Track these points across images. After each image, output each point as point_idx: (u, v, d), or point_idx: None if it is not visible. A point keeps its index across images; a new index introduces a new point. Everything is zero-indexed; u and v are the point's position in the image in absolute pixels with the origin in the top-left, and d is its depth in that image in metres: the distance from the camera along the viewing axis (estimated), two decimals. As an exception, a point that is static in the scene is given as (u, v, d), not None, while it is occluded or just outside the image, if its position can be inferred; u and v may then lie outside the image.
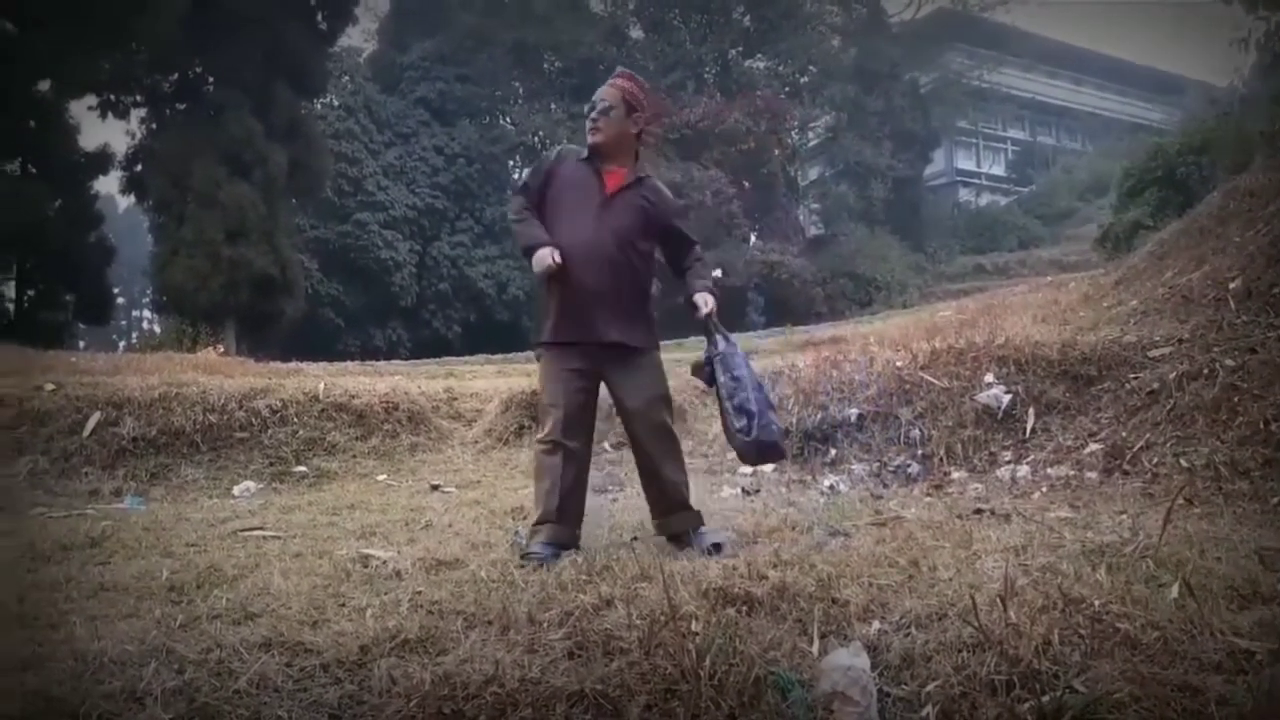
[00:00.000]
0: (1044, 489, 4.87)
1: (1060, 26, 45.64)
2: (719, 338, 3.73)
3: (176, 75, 28.26)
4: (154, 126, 28.83)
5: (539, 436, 3.73)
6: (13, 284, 27.94)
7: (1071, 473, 5.06)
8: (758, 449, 3.71)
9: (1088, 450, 5.24)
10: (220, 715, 1.88)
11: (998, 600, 2.23)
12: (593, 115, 3.73)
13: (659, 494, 3.73)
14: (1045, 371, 5.96)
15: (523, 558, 3.34)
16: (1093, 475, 4.96)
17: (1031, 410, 5.71)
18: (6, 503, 5.74)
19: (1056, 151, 48.39)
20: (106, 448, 6.85)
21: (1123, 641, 2.09)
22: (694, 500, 3.81)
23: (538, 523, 3.55)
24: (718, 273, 32.55)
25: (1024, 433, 5.61)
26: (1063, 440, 5.45)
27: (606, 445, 7.66)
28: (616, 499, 5.64)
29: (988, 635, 2.09)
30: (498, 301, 33.79)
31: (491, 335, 30.18)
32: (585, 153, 3.77)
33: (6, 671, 2.08)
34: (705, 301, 3.72)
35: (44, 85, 27.84)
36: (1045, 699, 1.88)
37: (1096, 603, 2.27)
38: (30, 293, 28.18)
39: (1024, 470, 5.24)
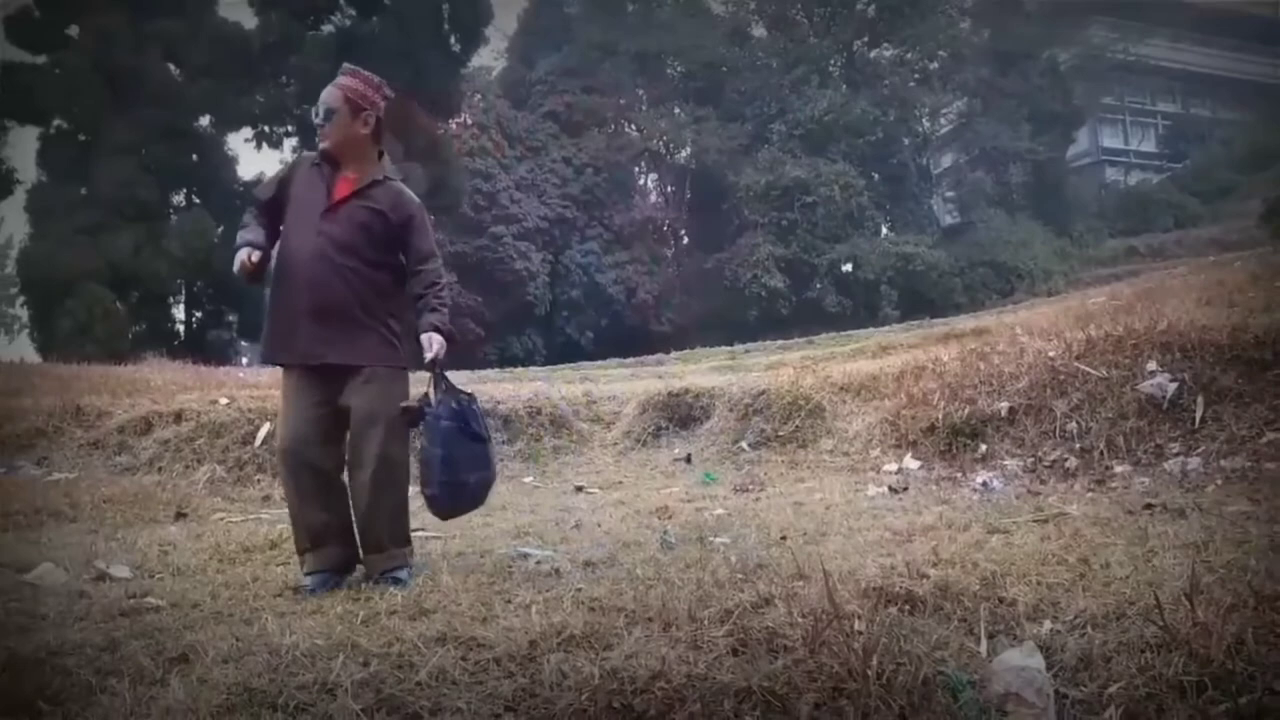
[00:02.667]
0: (1219, 481, 4.56)
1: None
2: (438, 394, 3.40)
3: (324, 105, 29.87)
4: (305, 154, 30.59)
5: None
6: (182, 306, 30.19)
7: (1248, 464, 4.73)
8: (429, 503, 3.47)
9: (1265, 439, 4.88)
10: (404, 706, 1.97)
11: (1182, 598, 2.12)
12: (318, 121, 3.55)
13: (361, 529, 3.44)
14: (1214, 357, 5.57)
15: (296, 591, 3.22)
16: (1271, 466, 4.61)
17: (1200, 398, 5.35)
18: (190, 510, 6.17)
19: (1213, 123, 45.03)
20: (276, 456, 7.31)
21: (1326, 641, 1.94)
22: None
23: (301, 551, 3.39)
24: (848, 267, 32.11)
25: (1193, 422, 5.27)
26: (1236, 430, 5.09)
27: (745, 445, 7.65)
28: (759, 498, 5.63)
29: (1173, 635, 1.99)
30: (627, 306, 34.18)
31: (621, 339, 30.55)
32: (317, 158, 3.58)
33: (211, 665, 2.26)
34: (430, 344, 3.41)
35: (204, 121, 30.02)
36: (1242, 700, 1.77)
37: (1293, 600, 2.12)
38: (198, 314, 30.38)
39: (1195, 462, 4.92)
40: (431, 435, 3.36)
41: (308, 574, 3.33)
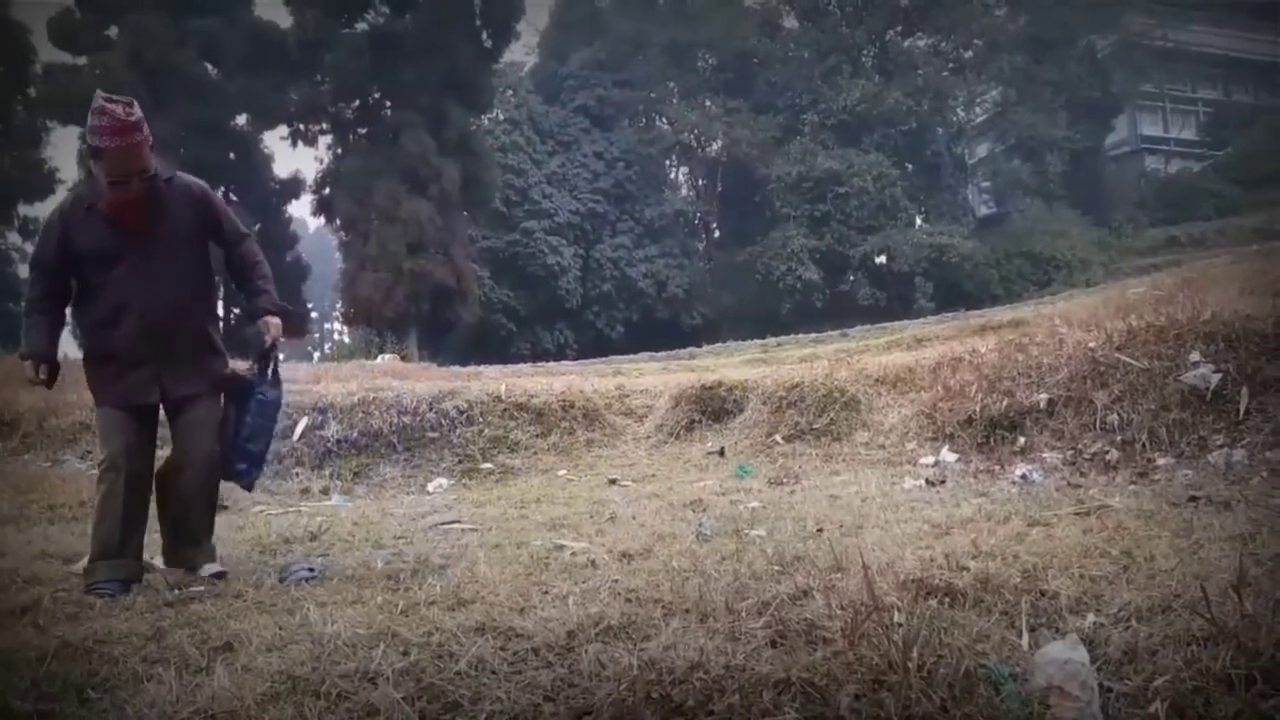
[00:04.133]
0: (1264, 474, 4.45)
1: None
2: (270, 375, 3.59)
3: (358, 102, 30.22)
4: (339, 151, 30.97)
5: (98, 463, 3.52)
6: (220, 302, 30.64)
7: (1294, 456, 4.62)
8: (239, 482, 3.67)
9: (1313, 431, 4.77)
10: (444, 695, 1.99)
11: (1230, 591, 2.07)
12: (122, 184, 3.28)
13: (178, 529, 3.57)
14: (1258, 347, 5.44)
15: (89, 591, 3.20)
16: (1320, 458, 4.51)
17: (1245, 389, 5.23)
18: (231, 502, 6.27)
19: (1256, 110, 43.98)
20: (314, 449, 7.42)
21: (1379, 635, 1.90)
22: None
23: (98, 558, 3.35)
24: (882, 259, 31.84)
25: (1237, 414, 5.15)
26: (1282, 421, 4.98)
27: (779, 438, 7.61)
28: (794, 491, 5.60)
29: (1221, 627, 1.95)
30: (658, 300, 34.21)
31: (652, 333, 30.59)
32: (88, 203, 3.37)
33: (255, 653, 2.29)
34: (268, 328, 3.54)
35: (241, 119, 30.44)
36: (1293, 695, 1.74)
37: (1344, 593, 2.07)
38: (235, 310, 30.79)
39: (1240, 454, 4.82)
40: (263, 423, 3.57)
41: (107, 579, 3.29)
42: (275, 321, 3.54)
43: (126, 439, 3.43)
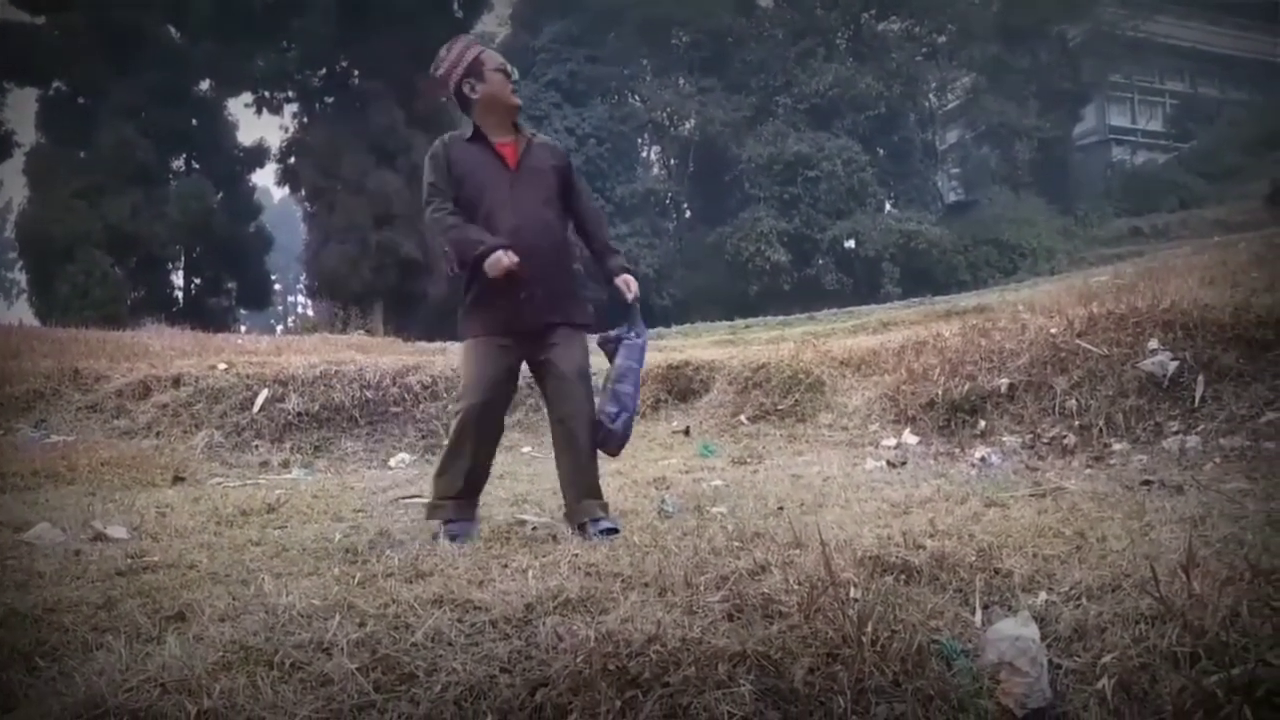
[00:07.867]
0: (1217, 460, 4.56)
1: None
2: (637, 325, 3.70)
3: (325, 70, 29.70)
4: (305, 120, 30.44)
5: (459, 406, 3.50)
6: (181, 273, 30.15)
7: (1247, 443, 4.73)
8: (608, 438, 3.56)
9: (1264, 419, 4.88)
10: (400, 666, 1.97)
11: (1179, 570, 2.11)
12: (513, 86, 3.67)
13: (576, 477, 3.53)
14: (1215, 337, 5.56)
15: (440, 535, 3.28)
16: (1270, 445, 4.61)
17: (1201, 377, 5.34)
18: (189, 474, 6.19)
19: (1221, 104, 44.70)
20: (275, 422, 7.33)
21: (1321, 615, 1.94)
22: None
23: (443, 496, 3.45)
24: (850, 243, 31.99)
25: (1193, 401, 5.27)
26: (1236, 409, 5.09)
27: (743, 418, 7.65)
28: (757, 470, 5.63)
29: (1169, 606, 1.99)
30: (629, 279, 34.11)
31: (620, 312, 30.51)
32: (469, 133, 3.60)
33: (207, 623, 2.26)
34: (628, 285, 3.65)
35: (205, 85, 29.82)
36: (1235, 672, 1.77)
37: (1289, 574, 2.11)
38: (197, 280, 30.32)
39: (1194, 441, 4.93)
40: (631, 365, 3.61)
41: (449, 520, 3.38)
42: (633, 280, 3.68)
43: (486, 374, 3.45)
